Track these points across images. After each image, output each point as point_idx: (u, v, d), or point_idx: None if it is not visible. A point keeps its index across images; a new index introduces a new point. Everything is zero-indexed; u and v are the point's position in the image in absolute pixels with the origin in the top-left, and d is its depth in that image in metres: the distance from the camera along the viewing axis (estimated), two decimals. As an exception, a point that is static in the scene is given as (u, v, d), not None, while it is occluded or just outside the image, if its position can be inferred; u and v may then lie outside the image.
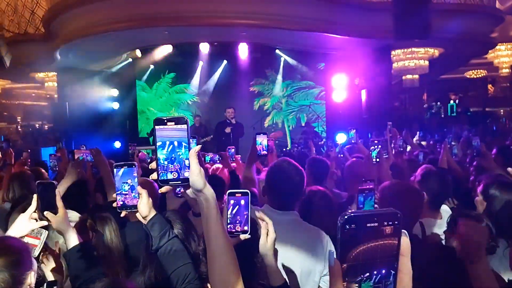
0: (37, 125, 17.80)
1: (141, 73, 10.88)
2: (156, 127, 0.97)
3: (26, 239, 1.46)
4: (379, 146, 3.09)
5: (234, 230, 1.33)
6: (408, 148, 5.08)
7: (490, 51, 10.84)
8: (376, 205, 1.97)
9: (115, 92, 10.08)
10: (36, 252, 1.49)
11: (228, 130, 8.03)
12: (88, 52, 8.04)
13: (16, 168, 4.09)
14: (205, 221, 1.05)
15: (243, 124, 8.51)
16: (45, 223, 1.49)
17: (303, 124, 10.47)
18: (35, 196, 1.49)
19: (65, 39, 7.29)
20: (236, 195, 1.33)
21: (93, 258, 1.64)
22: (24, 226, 1.47)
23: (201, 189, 1.00)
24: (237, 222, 1.33)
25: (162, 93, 11.46)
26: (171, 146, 0.97)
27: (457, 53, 9.33)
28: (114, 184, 2.46)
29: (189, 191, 1.02)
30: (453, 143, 4.32)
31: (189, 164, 0.97)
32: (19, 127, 18.31)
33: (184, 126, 0.98)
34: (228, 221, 1.33)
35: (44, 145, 8.88)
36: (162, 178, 0.98)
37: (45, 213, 1.48)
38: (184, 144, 0.98)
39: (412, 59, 8.95)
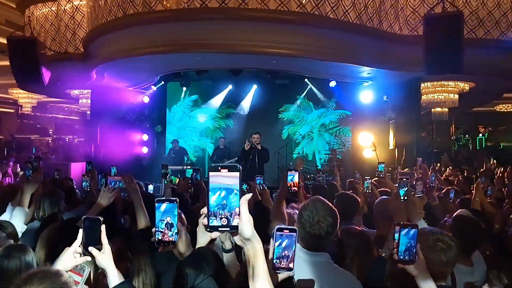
0: (67, 139, 18.35)
1: (174, 96, 11.23)
2: (210, 173, 0.99)
3: (69, 274, 1.47)
4: (408, 184, 3.05)
5: (279, 266, 1.32)
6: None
7: (523, 86, 10.59)
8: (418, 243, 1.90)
9: (145, 112, 10.38)
10: None
11: (247, 145, 8.05)
12: (122, 72, 8.36)
13: (47, 186, 4.22)
14: (251, 268, 1.06)
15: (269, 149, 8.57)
16: (88, 258, 1.50)
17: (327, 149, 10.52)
18: (80, 231, 1.50)
19: (102, 59, 7.62)
20: (284, 231, 1.33)
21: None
22: (69, 260, 1.49)
23: (250, 237, 1.02)
24: (284, 258, 1.32)
25: (182, 115, 11.72)
26: (223, 192, 0.99)
27: (489, 87, 9.17)
28: (144, 211, 2.52)
29: (236, 238, 1.04)
30: (489, 187, 4.18)
31: (239, 211, 0.99)
32: (50, 140, 18.91)
33: (237, 174, 1.00)
34: (275, 256, 1.32)
35: (74, 160, 9.14)
36: (211, 224, 1.00)
37: (90, 248, 1.48)
38: (235, 191, 1.00)
39: (441, 92, 8.83)
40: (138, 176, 8.79)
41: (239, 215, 1.00)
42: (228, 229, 1.00)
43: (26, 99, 15.29)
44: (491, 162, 9.16)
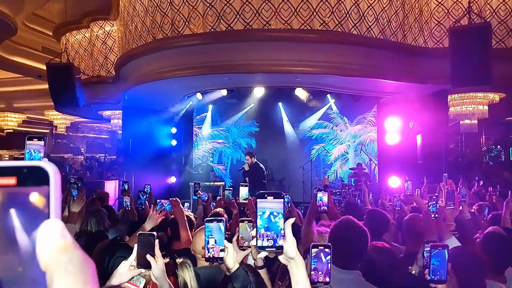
0: (97, 156, 18.98)
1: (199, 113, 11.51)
2: (258, 200, 1.12)
3: (126, 285, 1.59)
4: (438, 202, 3.05)
5: (317, 280, 1.41)
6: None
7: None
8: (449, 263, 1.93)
9: (174, 130, 10.69)
10: None
11: (246, 167, 9.02)
12: (152, 93, 8.70)
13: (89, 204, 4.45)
14: (296, 284, 1.18)
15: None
16: (143, 270, 1.61)
17: (350, 165, 10.40)
18: (135, 245, 1.62)
19: (133, 82, 7.97)
20: (320, 247, 1.44)
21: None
22: (126, 273, 1.60)
23: (293, 257, 1.14)
24: (320, 272, 1.43)
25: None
26: (268, 216, 1.12)
27: (520, 97, 8.93)
28: (188, 232, 2.65)
29: (281, 257, 1.16)
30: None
31: (283, 233, 1.11)
32: (81, 158, 19.61)
33: (281, 200, 1.13)
34: (312, 271, 1.42)
35: (107, 178, 9.51)
36: (259, 244, 1.12)
37: (148, 256, 1.58)
38: (280, 215, 1.12)
39: (470, 104, 8.67)
40: (167, 194, 9.10)
41: (284, 236, 1.11)
42: (275, 249, 1.12)
43: (60, 120, 16.07)
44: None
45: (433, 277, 1.71)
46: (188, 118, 11.14)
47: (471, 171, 10.01)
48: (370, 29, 6.70)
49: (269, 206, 1.11)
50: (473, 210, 4.29)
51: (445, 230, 2.87)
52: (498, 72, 6.46)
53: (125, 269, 1.60)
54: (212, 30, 6.36)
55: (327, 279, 1.42)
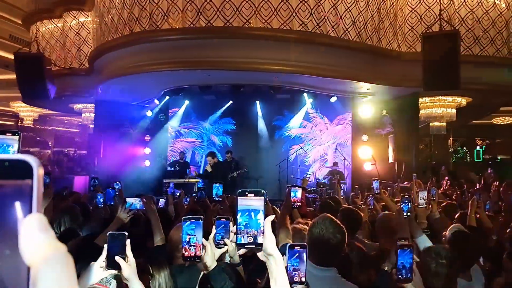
0: (66, 151, 18.36)
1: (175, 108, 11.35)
2: (239, 197, 1.14)
3: (95, 287, 1.53)
4: (410, 201, 3.18)
5: (293, 281, 1.43)
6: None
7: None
8: (414, 262, 2.04)
9: (148, 125, 10.51)
10: None
11: (209, 168, 9.06)
12: (127, 88, 8.53)
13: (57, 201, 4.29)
14: (274, 281, 1.21)
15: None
16: (114, 271, 1.55)
17: (327, 166, 10.56)
18: (105, 246, 1.55)
19: (108, 75, 7.78)
20: (296, 247, 1.47)
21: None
22: (95, 274, 1.54)
23: (272, 253, 1.16)
24: (297, 272, 1.45)
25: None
26: (249, 214, 1.14)
27: (485, 102, 9.37)
28: (161, 230, 2.63)
29: (260, 254, 1.18)
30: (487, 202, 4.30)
31: (263, 230, 1.13)
32: (49, 153, 18.92)
33: (262, 198, 1.14)
34: (287, 272, 1.42)
35: (77, 174, 9.25)
36: (239, 241, 1.13)
37: (117, 258, 1.52)
38: (261, 212, 1.14)
39: (439, 107, 9.03)
40: (141, 189, 8.95)
41: (263, 233, 1.13)
42: (254, 246, 1.14)
43: (28, 112, 15.45)
44: (489, 174, 9.29)
45: (400, 276, 1.79)
46: (164, 113, 10.97)
47: (440, 171, 10.41)
48: (347, 31, 6.84)
49: (249, 203, 1.13)
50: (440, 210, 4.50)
51: (416, 228, 2.99)
52: (465, 78, 6.77)
53: (94, 270, 1.55)
54: (192, 25, 6.30)
55: (303, 279, 1.45)
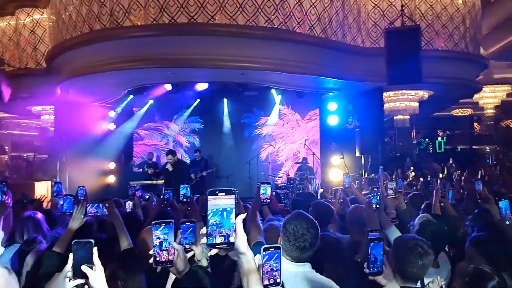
0: (25, 156, 17.51)
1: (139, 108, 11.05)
2: (209, 197, 1.09)
3: None
4: (379, 193, 3.23)
5: (268, 283, 1.38)
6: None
7: (475, 93, 11.34)
8: (385, 255, 2.06)
9: (112, 126, 10.17)
10: None
11: (169, 167, 8.66)
12: (89, 88, 8.20)
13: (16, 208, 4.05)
14: (246, 279, 1.18)
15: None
16: (80, 281, 1.47)
17: (299, 160, 10.63)
18: (70, 255, 1.48)
19: (67, 75, 7.44)
20: (270, 249, 1.42)
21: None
22: (61, 285, 1.46)
23: (244, 252, 1.13)
24: (271, 274, 1.40)
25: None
26: (220, 213, 1.09)
27: (445, 95, 9.76)
28: (126, 234, 2.52)
29: (231, 253, 1.14)
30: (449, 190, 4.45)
31: (235, 229, 1.09)
32: (6, 158, 17.97)
33: (232, 197, 1.10)
34: (262, 274, 1.38)
35: (37, 179, 8.79)
36: (210, 242, 1.09)
37: (83, 267, 1.46)
38: (231, 212, 1.10)
39: (402, 101, 9.31)
40: (106, 193, 8.65)
41: (235, 232, 1.08)
42: (225, 245, 1.10)
43: (-21, 116, 14.57)
44: (451, 165, 9.70)
45: (371, 270, 1.79)
46: (128, 113, 10.65)
47: (404, 163, 10.75)
48: (312, 27, 6.88)
49: (220, 203, 1.09)
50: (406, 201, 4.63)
51: (386, 220, 3.04)
52: (426, 71, 7.01)
53: (60, 281, 1.46)
54: (154, 22, 6.12)
55: (278, 280, 1.42)
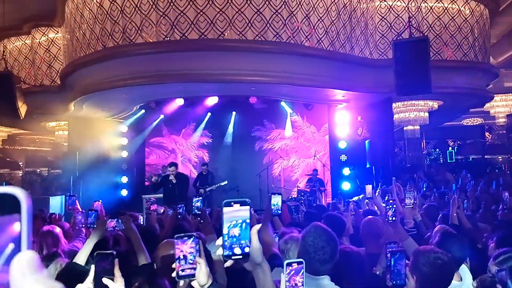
0: (39, 171, 17.75)
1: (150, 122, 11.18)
2: (224, 208, 1.11)
3: None
4: (394, 205, 3.23)
5: None
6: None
7: (486, 102, 11.27)
8: (407, 267, 2.03)
9: (124, 141, 10.31)
10: None
11: (173, 179, 7.64)
12: (101, 104, 8.35)
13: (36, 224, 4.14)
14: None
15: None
16: None
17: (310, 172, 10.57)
18: (92, 266, 1.49)
19: (81, 92, 7.60)
20: (293, 264, 1.44)
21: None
22: None
23: (260, 262, 1.15)
24: None
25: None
26: (236, 224, 1.11)
27: (455, 105, 9.72)
28: (144, 249, 2.56)
29: (247, 264, 1.16)
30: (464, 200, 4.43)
31: (250, 240, 1.11)
32: (20, 173, 18.21)
33: (247, 207, 1.12)
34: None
35: (52, 194, 8.92)
36: (226, 253, 1.10)
37: (104, 279, 1.46)
38: (246, 223, 1.11)
39: (412, 111, 9.29)
40: (119, 206, 8.70)
41: (250, 243, 1.11)
42: (241, 257, 1.11)
43: (-4, 133, 14.88)
44: (465, 176, 9.58)
45: (394, 282, 1.79)
46: (140, 127, 10.79)
47: (416, 174, 10.65)
48: (320, 41, 6.96)
49: (236, 214, 1.11)
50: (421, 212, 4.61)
51: (403, 232, 3.03)
52: (436, 82, 7.02)
53: None
54: (166, 39, 6.26)
55: None
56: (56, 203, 8.25)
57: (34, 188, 10.61)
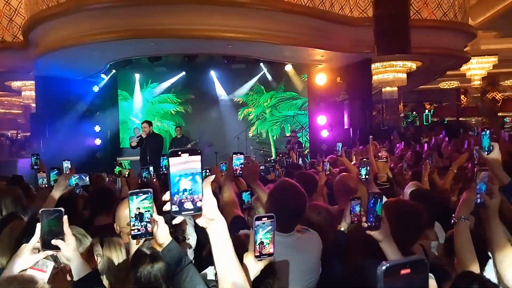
0: (9, 134, 17.19)
1: (124, 82, 10.78)
2: (170, 159, 0.97)
3: (30, 272, 1.35)
4: (368, 164, 3.19)
5: (261, 253, 1.34)
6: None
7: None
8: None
9: (96, 101, 9.92)
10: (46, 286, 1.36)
11: (144, 135, 7.32)
12: (69, 62, 7.90)
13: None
14: (216, 246, 1.09)
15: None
16: (50, 252, 1.40)
17: (287, 134, 10.55)
18: (38, 225, 1.38)
19: (46, 48, 7.13)
20: (263, 219, 1.35)
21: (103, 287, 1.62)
22: (28, 258, 1.36)
23: (214, 218, 1.04)
24: (264, 245, 1.35)
25: (145, 103, 11.35)
26: (186, 177, 0.97)
27: (433, 66, 9.70)
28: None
29: (199, 220, 1.04)
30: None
31: (202, 194, 0.99)
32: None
33: (198, 158, 0.98)
34: (256, 243, 1.34)
35: (21, 157, 8.60)
36: (174, 209, 0.97)
37: (54, 241, 1.37)
38: (197, 174, 0.98)
39: (391, 72, 9.23)
40: (92, 169, 8.49)
41: (202, 197, 0.99)
42: (192, 212, 0.99)
43: (-41, 94, 14.09)
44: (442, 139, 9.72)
45: (369, 223, 1.73)
46: (112, 87, 10.37)
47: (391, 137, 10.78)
48: (300, -4, 6.66)
49: (184, 165, 0.97)
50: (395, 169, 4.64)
51: (376, 190, 3.00)
52: (415, 41, 6.91)
53: (27, 253, 1.36)
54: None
55: (271, 250, 1.35)
56: (25, 166, 7.94)
57: (2, 151, 10.22)
